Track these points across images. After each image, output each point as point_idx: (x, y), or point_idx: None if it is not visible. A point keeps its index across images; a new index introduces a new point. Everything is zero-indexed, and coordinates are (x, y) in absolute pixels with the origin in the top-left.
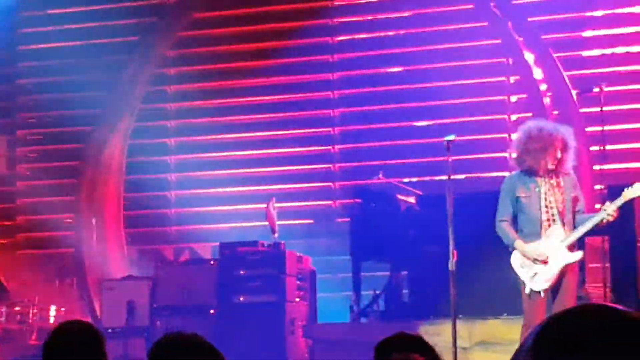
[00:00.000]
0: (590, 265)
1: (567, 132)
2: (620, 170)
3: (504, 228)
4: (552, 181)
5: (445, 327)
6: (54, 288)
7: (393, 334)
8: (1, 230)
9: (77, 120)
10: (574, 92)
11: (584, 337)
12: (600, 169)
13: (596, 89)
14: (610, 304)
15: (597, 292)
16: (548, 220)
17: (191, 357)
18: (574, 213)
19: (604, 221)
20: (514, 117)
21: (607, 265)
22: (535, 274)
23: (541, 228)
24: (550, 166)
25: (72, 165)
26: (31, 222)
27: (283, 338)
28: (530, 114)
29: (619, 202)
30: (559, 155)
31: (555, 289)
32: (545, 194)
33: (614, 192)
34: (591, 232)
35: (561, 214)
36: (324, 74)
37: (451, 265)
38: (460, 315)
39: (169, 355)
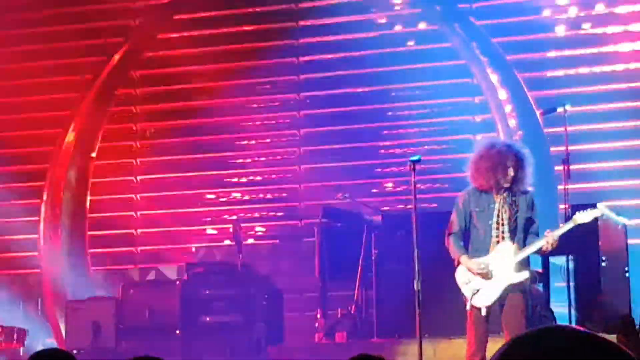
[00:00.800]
0: (556, 284)
1: (521, 150)
2: (585, 189)
3: (452, 242)
4: (507, 199)
5: (411, 347)
6: (19, 309)
7: (355, 356)
8: None
9: (40, 141)
10: (538, 113)
11: (547, 358)
12: (564, 189)
13: (560, 109)
14: (572, 326)
15: (562, 311)
16: (498, 237)
17: None
18: (526, 233)
19: (544, 248)
20: (479, 137)
21: (572, 284)
22: (478, 290)
23: (490, 244)
24: (505, 184)
25: (36, 186)
26: None
27: (250, 358)
28: (494, 134)
29: (560, 232)
30: (511, 173)
31: (501, 308)
32: (499, 210)
33: (576, 212)
34: (555, 252)
35: (512, 232)
36: (289, 94)
37: (417, 284)
38: (426, 335)
39: None
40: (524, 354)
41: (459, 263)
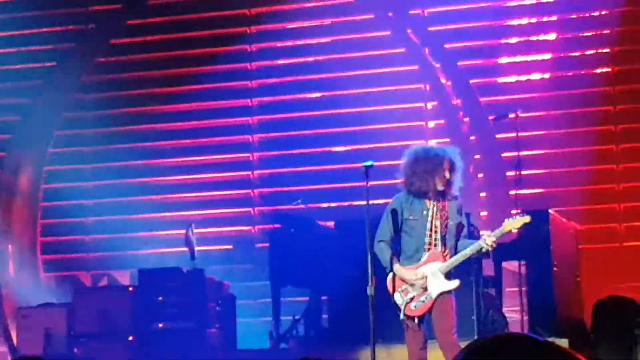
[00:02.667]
0: (508, 289)
1: (454, 154)
2: (535, 194)
3: (383, 249)
4: (438, 204)
5: (364, 352)
6: None
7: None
8: None
9: None
10: (490, 118)
11: None
12: (515, 194)
13: (512, 115)
14: (527, 334)
15: (515, 316)
16: (430, 244)
17: None
18: (457, 239)
19: (483, 250)
20: (432, 143)
21: (524, 289)
22: (411, 299)
23: (423, 251)
24: (440, 187)
25: None
26: None
27: None
28: (447, 140)
29: (499, 232)
30: (447, 176)
31: (433, 314)
32: (432, 217)
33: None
34: (508, 256)
35: (443, 239)
36: (242, 99)
37: (370, 290)
38: (380, 340)
39: None
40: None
41: (390, 271)
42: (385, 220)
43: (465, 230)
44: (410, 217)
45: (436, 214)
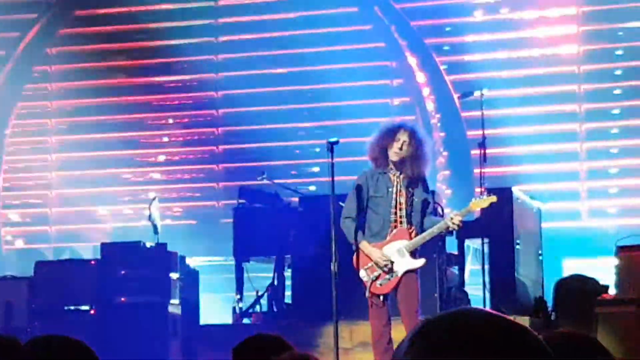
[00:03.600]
0: (471, 267)
1: (413, 127)
2: (500, 173)
3: (349, 225)
4: (403, 181)
5: (327, 329)
6: None
7: (251, 336)
8: None
9: None
10: (455, 96)
11: (458, 340)
12: (480, 172)
13: (477, 93)
14: (486, 309)
15: (477, 293)
16: (396, 221)
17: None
18: (423, 216)
19: (449, 229)
20: (397, 120)
21: (487, 267)
22: (377, 277)
23: (389, 229)
24: (393, 156)
25: None
26: None
27: (165, 339)
28: (413, 117)
29: (465, 212)
30: (399, 145)
31: (398, 295)
32: (397, 194)
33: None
34: (471, 234)
35: (409, 216)
36: (208, 74)
37: (333, 267)
38: (342, 317)
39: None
40: (435, 336)
41: (357, 248)
42: (351, 197)
43: (431, 207)
44: (376, 194)
45: (401, 191)
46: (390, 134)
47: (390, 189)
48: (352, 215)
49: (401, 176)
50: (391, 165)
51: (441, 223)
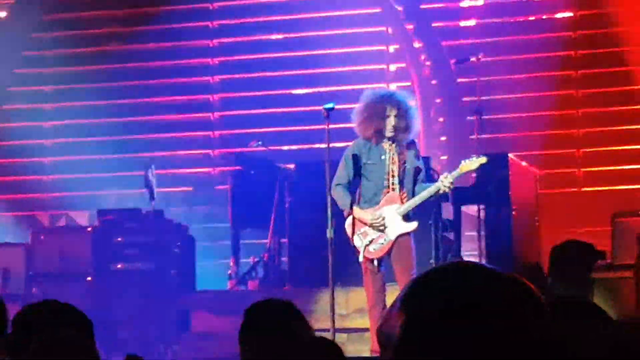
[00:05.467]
0: (467, 233)
1: (403, 99)
2: (496, 139)
3: (340, 192)
4: (395, 149)
5: (323, 295)
6: None
7: (262, 300)
8: None
9: None
10: (451, 62)
11: (450, 293)
12: (476, 138)
13: (473, 59)
14: (477, 261)
15: (473, 260)
16: (389, 187)
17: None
18: (415, 182)
19: (441, 191)
20: (393, 86)
21: (483, 233)
22: (370, 242)
23: (382, 195)
24: (388, 133)
25: None
26: None
27: (161, 306)
28: (408, 83)
29: (456, 174)
30: (392, 122)
31: (392, 258)
32: (390, 161)
33: (488, 160)
34: (467, 200)
35: (401, 183)
36: (203, 40)
37: (329, 232)
38: (338, 283)
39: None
40: (430, 289)
41: (349, 214)
42: (343, 165)
43: (422, 175)
44: (369, 162)
45: (393, 158)
46: (380, 113)
47: (383, 157)
48: (343, 182)
49: (393, 144)
50: (378, 135)
51: (432, 186)
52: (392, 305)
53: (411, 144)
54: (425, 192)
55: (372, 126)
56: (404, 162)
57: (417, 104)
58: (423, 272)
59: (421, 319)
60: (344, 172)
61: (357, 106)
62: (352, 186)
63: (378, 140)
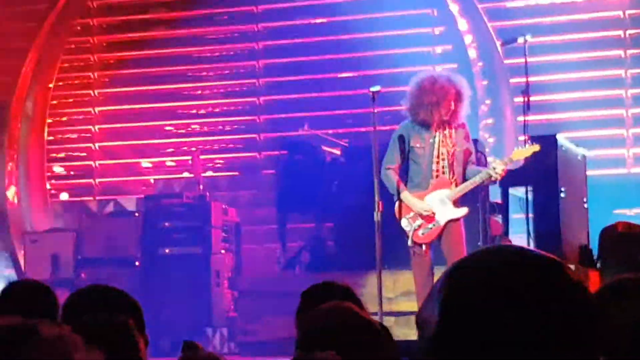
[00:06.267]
0: (514, 215)
1: (460, 83)
2: (543, 121)
3: (390, 176)
4: (445, 132)
5: (371, 278)
6: None
7: (320, 282)
8: None
9: None
10: (498, 43)
11: (490, 277)
12: (524, 120)
13: (520, 40)
14: (521, 245)
15: (521, 242)
16: (438, 171)
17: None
18: (465, 166)
19: (492, 179)
20: (439, 69)
21: (531, 216)
22: (420, 226)
23: (431, 179)
24: (445, 118)
25: None
26: None
27: (208, 290)
28: (455, 65)
29: (507, 161)
30: (452, 106)
31: (443, 244)
32: (439, 144)
33: (536, 142)
34: (514, 182)
35: (451, 166)
36: (248, 24)
37: (376, 216)
38: (386, 266)
39: (85, 304)
40: (469, 274)
41: (398, 198)
42: (392, 147)
43: (473, 157)
44: (417, 145)
45: (443, 142)
46: (432, 97)
47: (431, 140)
48: (393, 165)
49: (443, 127)
50: (438, 120)
51: (483, 173)
52: (432, 290)
53: (460, 126)
54: (477, 178)
55: (424, 110)
56: (454, 145)
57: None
58: (463, 257)
59: (460, 302)
60: (392, 154)
61: (409, 89)
62: (401, 169)
63: (428, 124)
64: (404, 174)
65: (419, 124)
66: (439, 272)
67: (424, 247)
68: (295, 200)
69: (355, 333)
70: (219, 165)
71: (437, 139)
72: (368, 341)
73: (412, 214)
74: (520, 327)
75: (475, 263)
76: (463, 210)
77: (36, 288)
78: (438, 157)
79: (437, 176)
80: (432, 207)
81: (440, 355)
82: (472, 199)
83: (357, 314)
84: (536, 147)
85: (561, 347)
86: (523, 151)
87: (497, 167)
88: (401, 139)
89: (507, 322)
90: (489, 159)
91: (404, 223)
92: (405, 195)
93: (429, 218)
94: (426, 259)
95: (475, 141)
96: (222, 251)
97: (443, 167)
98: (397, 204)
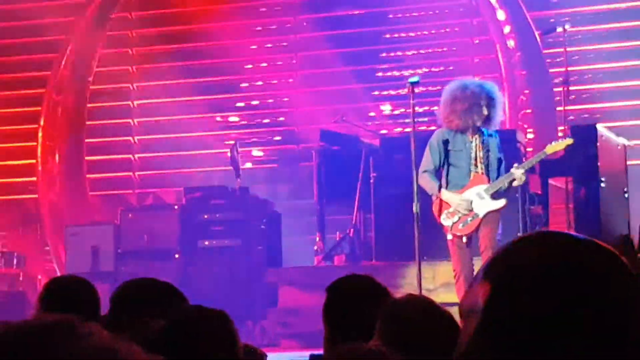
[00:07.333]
0: (554, 206)
1: (492, 89)
2: (583, 110)
3: (427, 178)
4: (480, 138)
5: (410, 269)
6: (18, 234)
7: (344, 276)
8: None
9: (36, 66)
10: (537, 33)
11: (536, 260)
12: (564, 110)
13: (559, 30)
14: (555, 230)
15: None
16: (477, 172)
17: (156, 298)
18: (498, 174)
19: (514, 184)
20: (477, 60)
21: (571, 206)
22: (459, 219)
23: (469, 179)
24: (479, 124)
25: (33, 111)
26: None
27: (248, 282)
28: (493, 55)
29: (527, 165)
30: (485, 112)
31: (480, 233)
32: (476, 148)
33: (575, 132)
34: (554, 173)
35: (487, 169)
36: (286, 17)
37: (415, 207)
38: (425, 257)
39: (133, 297)
40: (514, 258)
41: (437, 198)
42: (429, 152)
43: (503, 168)
44: (455, 150)
45: (479, 146)
46: (468, 105)
47: (468, 145)
48: (430, 168)
49: (477, 134)
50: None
51: (505, 177)
52: (475, 278)
53: (493, 135)
54: (505, 179)
55: (458, 117)
56: (488, 151)
57: (503, 74)
58: (506, 243)
59: (507, 286)
60: (429, 159)
61: (443, 97)
62: (438, 173)
63: (464, 130)
64: (440, 177)
65: (455, 132)
66: (478, 262)
67: (464, 239)
68: (334, 191)
69: (438, 323)
70: (257, 157)
71: (473, 144)
72: (447, 332)
73: (451, 209)
74: (569, 309)
75: (519, 247)
76: (501, 202)
77: (78, 283)
78: (476, 159)
79: (474, 175)
80: (471, 200)
81: (488, 343)
82: (512, 189)
83: (436, 305)
84: (569, 141)
85: (616, 338)
86: (556, 145)
87: (516, 172)
88: (438, 144)
89: (556, 304)
90: (512, 170)
91: (442, 218)
92: (443, 192)
93: (468, 212)
94: (466, 250)
95: (514, 132)
96: (262, 243)
97: (482, 169)
98: (435, 202)
